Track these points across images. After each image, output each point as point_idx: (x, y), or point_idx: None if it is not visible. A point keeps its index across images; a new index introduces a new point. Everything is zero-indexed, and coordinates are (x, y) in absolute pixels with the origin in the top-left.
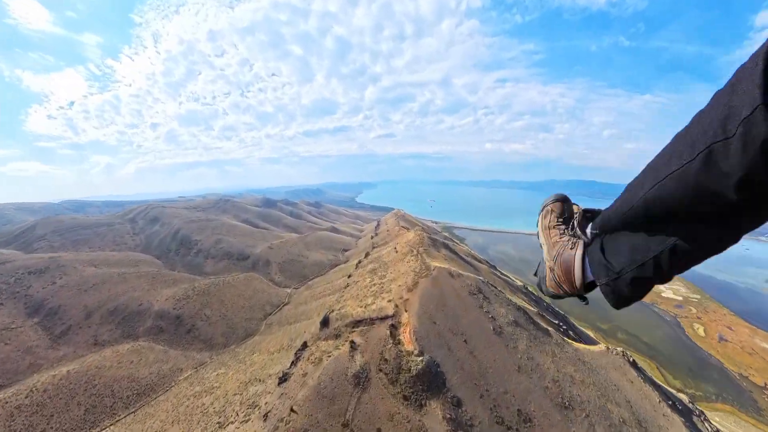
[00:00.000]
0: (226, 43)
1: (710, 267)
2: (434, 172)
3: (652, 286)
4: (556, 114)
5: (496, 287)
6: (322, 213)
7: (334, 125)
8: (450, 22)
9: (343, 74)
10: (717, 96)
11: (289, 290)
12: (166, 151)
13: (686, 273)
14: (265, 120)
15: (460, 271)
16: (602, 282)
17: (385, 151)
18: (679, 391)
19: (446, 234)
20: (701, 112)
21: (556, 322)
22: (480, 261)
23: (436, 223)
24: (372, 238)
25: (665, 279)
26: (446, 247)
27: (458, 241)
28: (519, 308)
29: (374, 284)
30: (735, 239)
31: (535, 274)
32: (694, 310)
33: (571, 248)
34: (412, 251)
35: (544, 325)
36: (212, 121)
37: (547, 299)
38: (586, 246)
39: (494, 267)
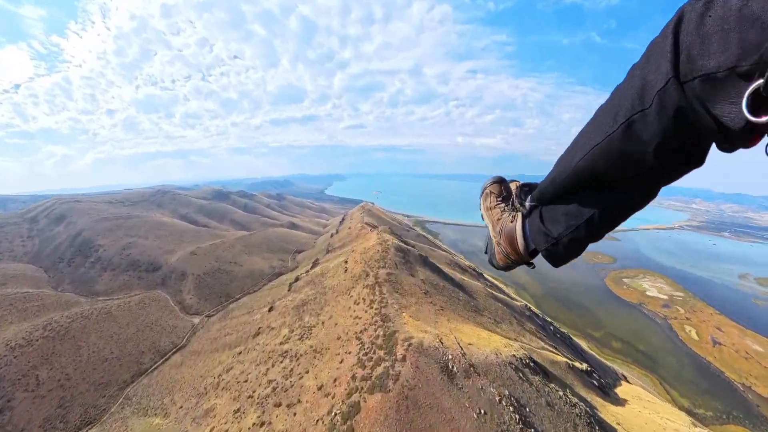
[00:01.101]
0: (182, 20)
1: (686, 263)
2: (406, 164)
3: (587, 245)
4: (527, 109)
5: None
6: (283, 206)
7: (302, 114)
8: (421, 5)
9: (310, 59)
10: (633, 69)
11: (197, 320)
12: (125, 140)
13: (666, 270)
14: (229, 107)
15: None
16: (542, 248)
17: (356, 143)
18: (689, 413)
19: (418, 229)
20: (620, 85)
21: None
22: (467, 270)
23: (407, 217)
24: (332, 236)
25: (597, 238)
26: (423, 261)
27: (432, 236)
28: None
29: (284, 353)
30: (654, 196)
31: (486, 252)
32: (681, 311)
33: (511, 221)
34: (368, 274)
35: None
36: (173, 108)
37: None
38: (525, 217)
39: (485, 279)
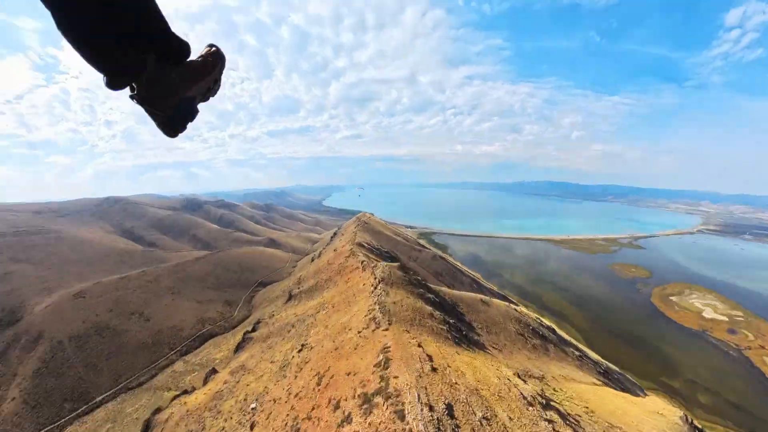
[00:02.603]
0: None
1: (727, 272)
2: (406, 174)
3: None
4: (525, 114)
5: None
6: (270, 219)
7: (299, 125)
8: (414, 10)
9: (303, 69)
10: None
11: None
12: (126, 151)
13: (710, 282)
14: (226, 119)
15: None
16: None
17: (355, 153)
18: None
19: (423, 242)
20: None
21: None
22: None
23: (410, 228)
24: (312, 259)
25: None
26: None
27: (440, 251)
28: None
29: None
30: None
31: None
32: (750, 336)
33: None
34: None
35: None
36: None
37: None
38: None
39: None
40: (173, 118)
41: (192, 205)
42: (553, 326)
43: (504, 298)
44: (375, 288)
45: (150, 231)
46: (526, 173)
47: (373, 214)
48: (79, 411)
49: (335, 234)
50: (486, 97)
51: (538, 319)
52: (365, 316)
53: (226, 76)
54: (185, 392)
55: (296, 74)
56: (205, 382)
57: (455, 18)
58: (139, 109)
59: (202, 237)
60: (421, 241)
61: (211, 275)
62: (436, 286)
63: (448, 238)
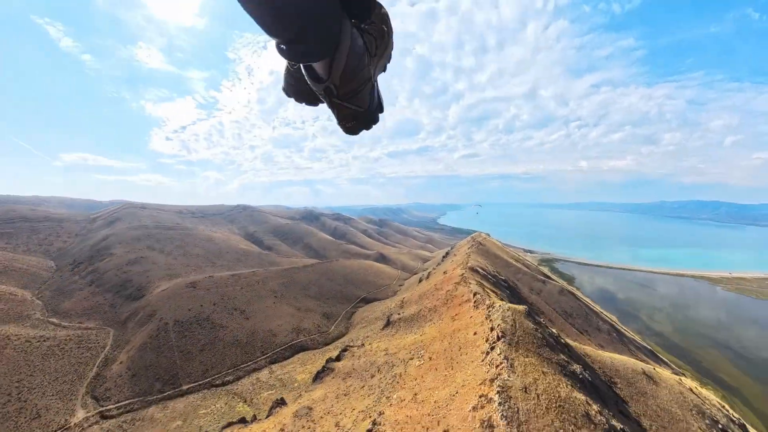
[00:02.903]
0: None
1: None
2: (523, 194)
3: None
4: (663, 121)
5: None
6: (383, 234)
7: (417, 146)
8: (535, 25)
9: (425, 94)
10: None
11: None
12: (263, 170)
13: None
14: (351, 142)
15: None
16: None
17: (470, 173)
18: None
19: (546, 270)
20: None
21: None
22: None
23: (529, 252)
24: (420, 280)
25: None
26: None
27: (567, 282)
28: None
29: None
30: None
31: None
32: None
33: None
34: None
35: None
36: (302, 144)
37: None
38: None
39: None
40: (370, 111)
41: (310, 216)
42: (743, 421)
43: (653, 354)
44: (492, 348)
45: (269, 236)
46: (666, 191)
47: (489, 235)
48: (165, 394)
49: (447, 254)
50: (615, 105)
51: (724, 408)
52: (473, 409)
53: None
54: (244, 421)
55: (418, 99)
56: (269, 413)
57: (580, 26)
58: (277, 136)
59: (315, 246)
60: (543, 268)
61: (314, 284)
62: (576, 342)
63: (573, 268)
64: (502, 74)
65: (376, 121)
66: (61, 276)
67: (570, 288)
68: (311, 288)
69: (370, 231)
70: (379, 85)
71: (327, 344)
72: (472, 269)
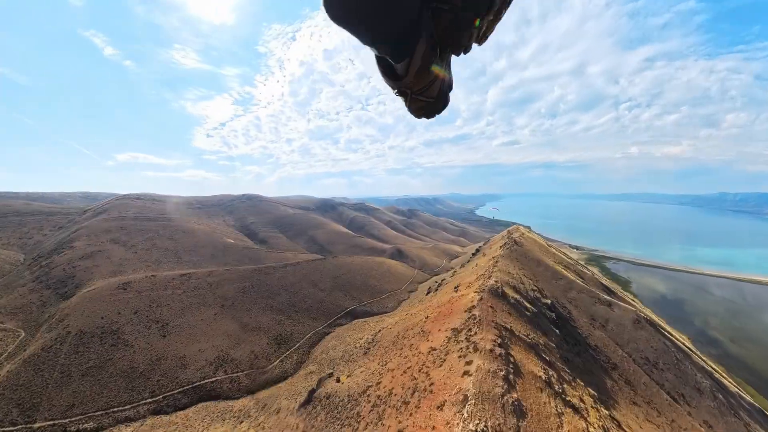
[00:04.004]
0: (342, 59)
1: None
2: (566, 184)
3: None
4: (726, 99)
5: None
6: (410, 225)
7: (454, 134)
8: None
9: (462, 77)
10: None
11: None
12: (300, 162)
13: None
14: (386, 131)
15: None
16: None
17: (512, 161)
18: None
19: (596, 271)
20: None
21: None
22: None
23: (575, 248)
24: (429, 292)
25: None
26: None
27: (622, 289)
28: None
29: None
30: None
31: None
32: None
33: None
34: None
35: None
36: (338, 135)
37: None
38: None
39: None
40: (439, 100)
41: (326, 206)
42: None
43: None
44: None
45: (268, 228)
46: (728, 181)
47: (529, 229)
48: (15, 428)
49: (478, 250)
50: (671, 82)
51: None
52: None
53: (387, 94)
54: None
55: (454, 83)
56: None
57: None
58: (312, 128)
59: (320, 239)
60: (592, 268)
61: (288, 289)
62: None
63: (628, 269)
64: (546, 49)
65: (446, 104)
66: (17, 269)
67: (647, 314)
68: (280, 295)
69: (395, 222)
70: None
71: (252, 392)
72: (495, 292)
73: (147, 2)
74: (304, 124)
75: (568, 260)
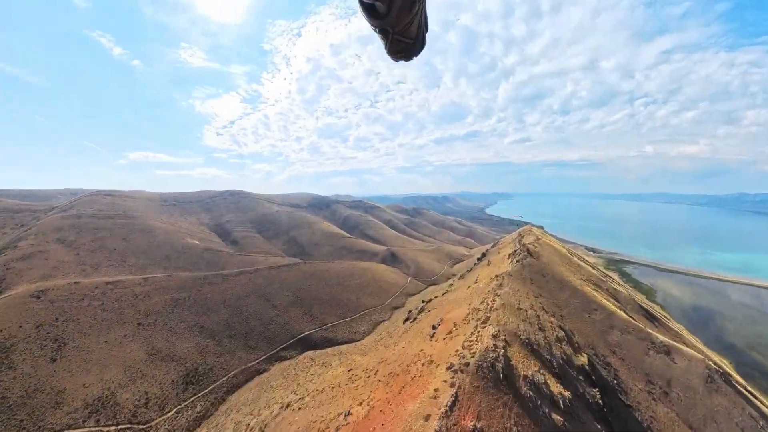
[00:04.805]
0: (349, 55)
1: None
2: (579, 183)
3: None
4: (747, 95)
5: None
6: (414, 225)
7: (465, 131)
8: None
9: (471, 73)
10: None
11: None
12: (310, 161)
13: None
14: (395, 129)
15: None
16: None
17: (523, 159)
18: None
19: (616, 277)
20: None
21: None
22: None
23: (593, 251)
24: (407, 320)
25: None
26: None
27: (648, 299)
28: None
29: None
30: None
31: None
32: None
33: None
34: None
35: None
36: (346, 133)
37: None
38: None
39: None
40: (417, 41)
41: (320, 203)
42: None
43: None
44: None
45: (245, 227)
46: (747, 182)
47: (543, 230)
48: None
49: (483, 255)
50: (690, 76)
51: None
52: None
53: (396, 91)
54: None
55: (464, 78)
56: None
57: None
58: (321, 126)
59: (302, 240)
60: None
61: (230, 305)
62: None
63: (647, 273)
64: (558, 43)
65: (423, 46)
66: None
67: (717, 363)
68: (218, 312)
69: (396, 221)
70: (426, 5)
71: None
72: (488, 371)
73: (155, 2)
74: (312, 122)
75: (597, 273)
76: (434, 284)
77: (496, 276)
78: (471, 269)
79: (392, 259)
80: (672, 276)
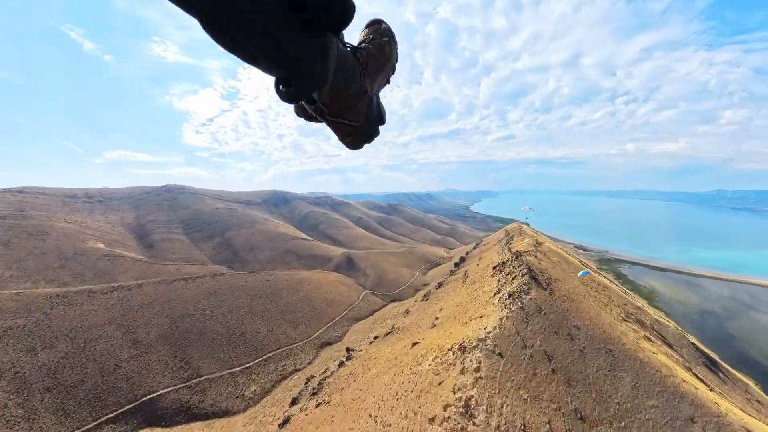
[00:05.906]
0: None
1: None
2: (562, 180)
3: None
4: (724, 95)
5: None
6: (388, 223)
7: (448, 128)
8: None
9: (452, 68)
10: None
11: None
12: (293, 159)
13: None
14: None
15: None
16: None
17: (506, 157)
18: None
19: (611, 277)
20: None
21: None
22: None
23: (581, 250)
24: (346, 359)
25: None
26: None
27: (642, 298)
28: None
29: None
30: None
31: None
32: None
33: None
34: None
35: None
36: (328, 130)
37: None
38: None
39: None
40: (367, 124)
41: (276, 199)
42: None
43: None
44: None
45: (169, 228)
46: (725, 179)
47: (530, 226)
48: None
49: (463, 259)
50: (670, 74)
51: None
52: None
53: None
54: None
55: (445, 74)
56: None
57: None
58: (302, 123)
59: (237, 243)
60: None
61: (71, 340)
62: None
63: (642, 273)
64: (539, 38)
65: (375, 134)
66: None
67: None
68: (51, 348)
69: (367, 220)
70: (380, 97)
71: None
72: None
73: None
74: (293, 119)
75: (569, 257)
76: (396, 300)
77: (464, 347)
78: (440, 284)
79: (348, 265)
80: (666, 275)
